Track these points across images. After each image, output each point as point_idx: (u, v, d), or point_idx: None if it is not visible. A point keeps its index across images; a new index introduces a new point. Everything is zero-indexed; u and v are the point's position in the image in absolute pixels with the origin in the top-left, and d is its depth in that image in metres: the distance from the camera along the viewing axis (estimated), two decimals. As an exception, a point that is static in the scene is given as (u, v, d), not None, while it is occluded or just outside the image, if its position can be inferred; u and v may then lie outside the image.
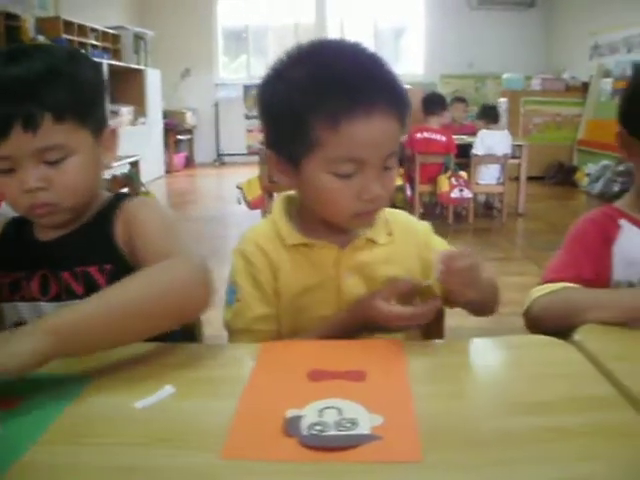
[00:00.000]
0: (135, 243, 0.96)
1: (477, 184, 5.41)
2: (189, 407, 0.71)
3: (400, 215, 1.12)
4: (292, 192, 1.07)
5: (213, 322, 1.32)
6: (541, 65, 9.19)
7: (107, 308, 0.77)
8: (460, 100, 6.68)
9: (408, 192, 5.31)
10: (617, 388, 0.73)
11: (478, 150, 5.42)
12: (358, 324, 0.96)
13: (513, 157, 5.56)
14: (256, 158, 5.62)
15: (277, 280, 1.01)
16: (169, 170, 8.93)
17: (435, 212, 5.61)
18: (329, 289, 1.01)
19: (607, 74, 7.62)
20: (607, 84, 7.52)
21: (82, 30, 6.88)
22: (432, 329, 1.11)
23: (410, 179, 5.33)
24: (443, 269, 0.86)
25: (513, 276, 3.48)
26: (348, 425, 0.64)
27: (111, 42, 7.72)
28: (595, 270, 1.08)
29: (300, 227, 1.03)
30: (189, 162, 9.73)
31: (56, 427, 0.66)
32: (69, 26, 6.52)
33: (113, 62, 7.31)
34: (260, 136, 4.45)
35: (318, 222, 1.00)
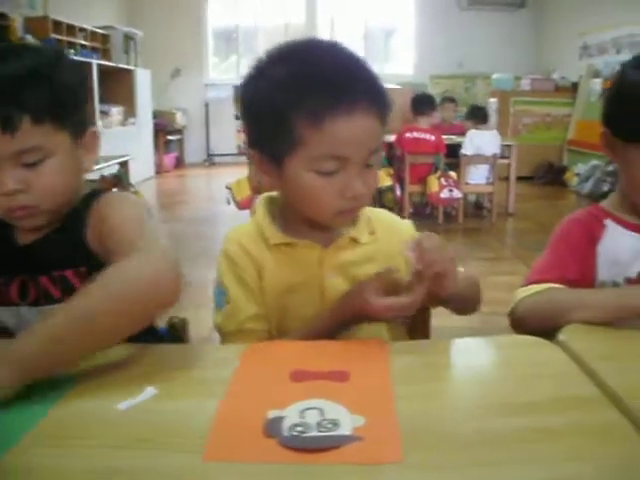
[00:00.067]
0: (105, 241, 0.93)
1: (467, 184, 5.43)
2: (171, 408, 0.71)
3: (383, 214, 1.12)
4: (274, 193, 1.06)
5: (201, 323, 1.32)
6: (531, 65, 9.23)
7: (72, 321, 0.74)
8: (450, 100, 6.73)
9: (398, 192, 5.31)
10: (601, 388, 0.73)
11: (467, 150, 5.44)
12: (347, 318, 0.96)
13: (502, 157, 5.58)
14: (246, 158, 5.60)
15: (262, 279, 1.01)
16: (159, 170, 8.87)
17: (425, 212, 5.63)
18: (313, 288, 1.01)
19: (596, 74, 7.67)
20: (596, 84, 7.57)
21: (71, 30, 6.81)
22: (418, 329, 1.11)
23: (400, 179, 5.34)
24: (416, 255, 0.86)
25: (503, 276, 3.49)
26: (329, 426, 0.64)
27: (100, 42, 7.66)
28: (580, 270, 1.08)
29: (283, 227, 1.02)
30: (179, 162, 9.68)
31: (40, 430, 0.66)
32: (58, 26, 6.45)
33: (102, 62, 7.25)
34: (247, 136, 4.43)
35: (301, 221, 1.00)
